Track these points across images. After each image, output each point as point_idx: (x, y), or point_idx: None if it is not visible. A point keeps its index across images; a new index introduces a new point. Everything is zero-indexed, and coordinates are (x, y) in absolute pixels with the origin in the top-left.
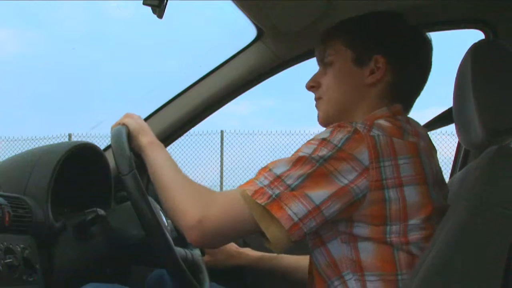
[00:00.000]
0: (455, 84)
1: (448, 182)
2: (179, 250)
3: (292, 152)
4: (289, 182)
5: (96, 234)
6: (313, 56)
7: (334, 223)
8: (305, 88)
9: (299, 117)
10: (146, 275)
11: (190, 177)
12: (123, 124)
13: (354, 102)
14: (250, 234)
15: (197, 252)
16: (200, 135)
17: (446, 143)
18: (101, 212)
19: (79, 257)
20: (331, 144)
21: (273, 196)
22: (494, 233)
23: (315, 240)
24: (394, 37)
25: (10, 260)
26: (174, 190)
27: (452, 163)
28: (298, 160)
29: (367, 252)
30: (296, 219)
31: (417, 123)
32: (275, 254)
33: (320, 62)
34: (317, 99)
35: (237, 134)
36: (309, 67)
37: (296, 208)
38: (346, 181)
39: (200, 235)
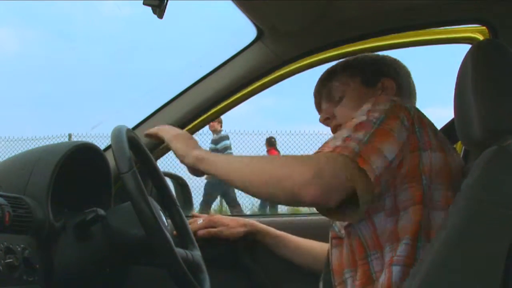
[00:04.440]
0: (455, 85)
1: None
2: (179, 250)
3: (291, 152)
4: (360, 138)
5: (96, 234)
6: (312, 55)
7: (381, 196)
8: (304, 88)
9: (299, 117)
10: (147, 275)
11: (188, 177)
12: (160, 137)
13: None
14: (343, 195)
15: (197, 252)
16: (200, 135)
17: None
18: (101, 212)
19: (79, 257)
20: (379, 109)
21: (355, 150)
22: (494, 233)
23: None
24: (387, 64)
25: (10, 260)
26: (267, 164)
27: None
28: (357, 126)
29: (405, 220)
30: (377, 172)
31: None
32: (280, 232)
33: (328, 103)
34: (336, 126)
35: (237, 134)
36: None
37: (377, 162)
38: (401, 139)
39: (320, 188)
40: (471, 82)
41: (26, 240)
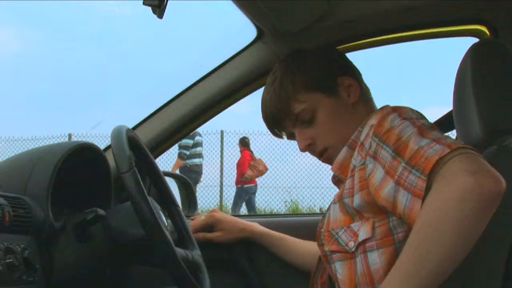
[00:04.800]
0: (455, 84)
1: None
2: (179, 250)
3: (291, 152)
4: (439, 135)
5: (96, 234)
6: None
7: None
8: None
9: None
10: (147, 275)
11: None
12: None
13: (355, 124)
14: None
15: (197, 252)
16: (205, 134)
17: None
18: (101, 212)
19: (79, 257)
20: (414, 118)
21: (460, 144)
22: (494, 233)
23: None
24: (335, 58)
25: (10, 260)
26: (443, 225)
27: None
28: (419, 132)
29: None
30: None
31: None
32: (278, 233)
33: (299, 127)
34: (322, 151)
35: (237, 134)
36: None
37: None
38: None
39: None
40: (471, 82)
41: (26, 240)
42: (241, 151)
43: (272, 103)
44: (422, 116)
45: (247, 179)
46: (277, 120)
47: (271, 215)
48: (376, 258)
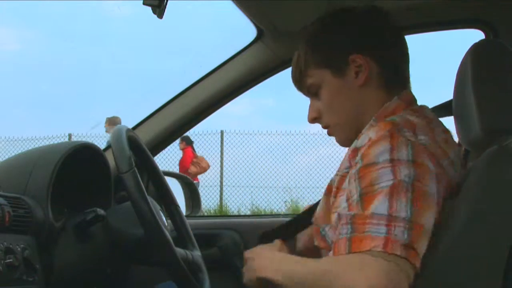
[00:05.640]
0: (455, 84)
1: None
2: (179, 250)
3: (291, 152)
4: (403, 215)
5: (96, 234)
6: None
7: None
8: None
9: (299, 117)
10: (147, 275)
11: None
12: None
13: (360, 109)
14: None
15: (197, 252)
16: (200, 135)
17: None
18: (101, 212)
19: (79, 257)
20: (403, 161)
21: (405, 242)
22: (494, 234)
23: None
24: (353, 32)
25: (10, 260)
26: (323, 274)
27: None
28: (391, 192)
29: None
30: (421, 255)
31: (432, 114)
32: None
33: (308, 94)
34: (325, 127)
35: (237, 134)
36: None
37: (422, 245)
38: (435, 189)
39: None
40: (471, 82)
41: (26, 240)
42: (183, 149)
43: (292, 71)
44: (416, 156)
45: (191, 175)
46: (296, 86)
47: (271, 215)
48: None
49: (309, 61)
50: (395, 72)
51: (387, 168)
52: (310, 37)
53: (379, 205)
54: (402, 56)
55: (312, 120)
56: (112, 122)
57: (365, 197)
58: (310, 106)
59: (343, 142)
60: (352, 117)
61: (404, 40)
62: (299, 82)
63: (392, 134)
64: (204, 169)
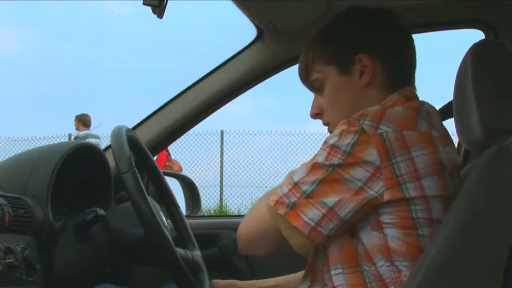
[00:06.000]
0: (455, 84)
1: None
2: (179, 250)
3: (291, 152)
4: (304, 188)
5: (96, 234)
6: None
7: (365, 215)
8: (304, 88)
9: (299, 117)
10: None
11: (190, 176)
12: None
13: (361, 108)
14: (282, 241)
15: (197, 252)
16: (200, 135)
17: None
18: (101, 212)
19: (79, 257)
20: (341, 150)
21: (290, 205)
22: (494, 234)
23: (349, 231)
24: (364, 31)
25: (10, 260)
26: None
27: None
28: (312, 167)
29: (395, 238)
30: (313, 223)
31: (433, 110)
32: (252, 282)
33: (312, 89)
34: (326, 124)
35: (237, 134)
36: None
37: (311, 213)
38: (360, 184)
39: (241, 243)
40: (471, 82)
41: (26, 240)
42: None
43: (299, 64)
44: (356, 149)
45: None
46: (301, 80)
47: None
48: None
49: (316, 56)
50: (400, 75)
51: (325, 151)
52: (320, 32)
53: (298, 173)
54: (409, 59)
55: (314, 115)
56: (82, 119)
57: (303, 164)
58: (313, 101)
59: None
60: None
61: (412, 43)
62: (305, 76)
63: (349, 121)
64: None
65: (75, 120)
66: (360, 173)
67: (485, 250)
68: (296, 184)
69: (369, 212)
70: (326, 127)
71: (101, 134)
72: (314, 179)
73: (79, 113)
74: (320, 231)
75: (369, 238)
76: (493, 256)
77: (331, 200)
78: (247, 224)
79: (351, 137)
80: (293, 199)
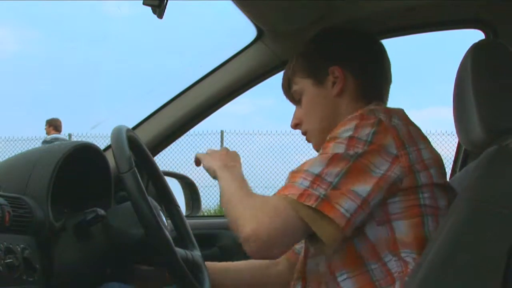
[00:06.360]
0: (455, 84)
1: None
2: (179, 250)
3: (292, 152)
4: (330, 179)
5: (96, 234)
6: None
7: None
8: None
9: None
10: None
11: (190, 176)
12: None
13: (334, 117)
14: (302, 239)
15: (197, 252)
16: (200, 135)
17: (446, 143)
18: (101, 212)
19: (79, 257)
20: (361, 140)
21: (321, 196)
22: (494, 233)
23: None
24: (337, 45)
25: (10, 260)
26: (234, 206)
27: (452, 163)
28: (332, 158)
29: (402, 230)
30: (348, 215)
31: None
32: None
33: (292, 101)
34: (304, 134)
35: (237, 134)
36: None
37: (346, 204)
38: (381, 172)
39: (256, 246)
40: (471, 82)
41: (26, 240)
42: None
43: (282, 78)
44: (376, 138)
45: None
46: (284, 92)
47: None
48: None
49: (295, 69)
50: (372, 87)
51: (342, 144)
52: (301, 47)
53: (315, 165)
54: (381, 73)
55: (294, 126)
56: (53, 124)
57: (313, 158)
58: (294, 112)
59: (318, 148)
60: (327, 124)
61: (386, 59)
62: (286, 89)
63: (362, 115)
64: None
65: (46, 124)
66: (380, 160)
67: (485, 249)
68: (318, 176)
69: (387, 197)
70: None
71: (101, 134)
72: (338, 170)
73: (76, 113)
74: (353, 222)
75: (376, 234)
76: (493, 256)
77: (362, 189)
78: (267, 223)
79: (370, 127)
80: (321, 191)
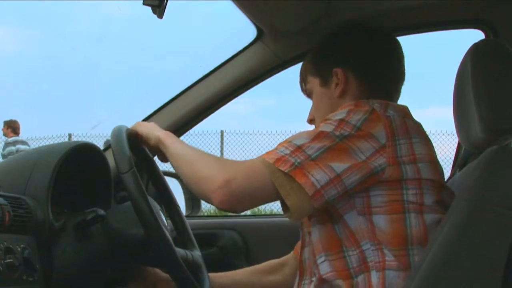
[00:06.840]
0: (455, 84)
1: (448, 182)
2: (179, 250)
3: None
4: (309, 152)
5: (96, 234)
6: None
7: (351, 196)
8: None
9: (299, 117)
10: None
11: None
12: (135, 130)
13: None
14: (269, 202)
15: (197, 252)
16: (200, 135)
17: (446, 143)
18: (101, 212)
19: (79, 257)
20: (350, 124)
21: (296, 163)
22: (494, 233)
23: (332, 214)
24: (341, 48)
25: (10, 260)
26: (196, 162)
27: (452, 163)
28: (318, 135)
29: (382, 225)
30: (318, 186)
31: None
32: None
33: (308, 97)
34: None
35: (237, 134)
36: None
37: (318, 175)
38: (363, 157)
39: (228, 195)
40: (471, 82)
41: (26, 240)
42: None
43: (299, 74)
44: (366, 125)
45: None
46: (301, 89)
47: (271, 215)
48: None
49: (307, 67)
50: (377, 86)
51: (331, 125)
52: (314, 47)
53: (300, 138)
54: (387, 72)
55: (309, 121)
56: (12, 126)
57: (302, 132)
58: (311, 107)
59: None
60: None
61: (394, 57)
62: (301, 86)
63: (358, 103)
64: None
65: (4, 126)
66: (366, 146)
67: (485, 249)
68: (299, 147)
69: (369, 186)
70: None
71: (101, 134)
72: (320, 145)
73: (76, 113)
74: (323, 195)
75: (356, 223)
76: (493, 256)
77: (338, 166)
78: (242, 177)
79: (362, 114)
80: (298, 160)
